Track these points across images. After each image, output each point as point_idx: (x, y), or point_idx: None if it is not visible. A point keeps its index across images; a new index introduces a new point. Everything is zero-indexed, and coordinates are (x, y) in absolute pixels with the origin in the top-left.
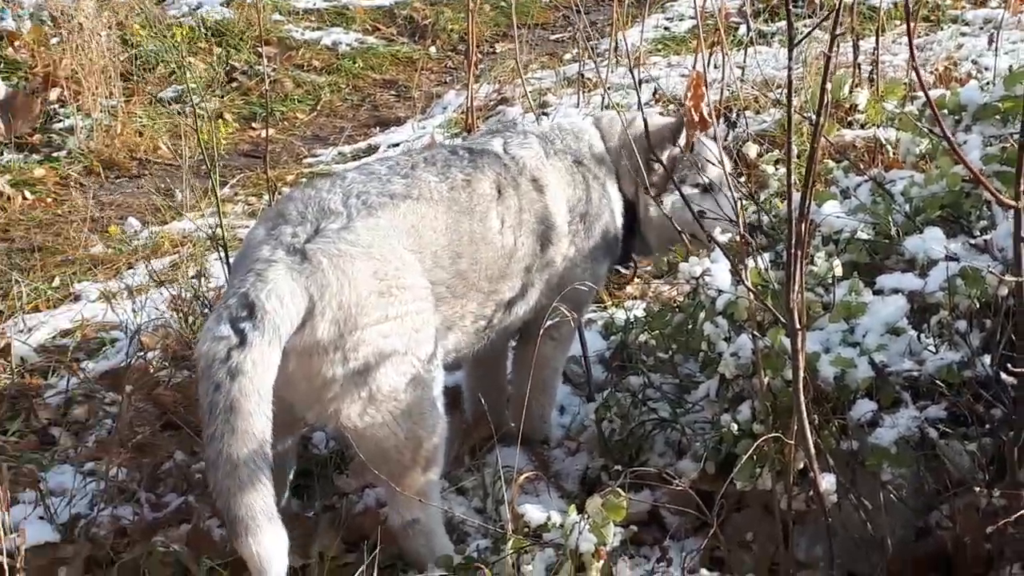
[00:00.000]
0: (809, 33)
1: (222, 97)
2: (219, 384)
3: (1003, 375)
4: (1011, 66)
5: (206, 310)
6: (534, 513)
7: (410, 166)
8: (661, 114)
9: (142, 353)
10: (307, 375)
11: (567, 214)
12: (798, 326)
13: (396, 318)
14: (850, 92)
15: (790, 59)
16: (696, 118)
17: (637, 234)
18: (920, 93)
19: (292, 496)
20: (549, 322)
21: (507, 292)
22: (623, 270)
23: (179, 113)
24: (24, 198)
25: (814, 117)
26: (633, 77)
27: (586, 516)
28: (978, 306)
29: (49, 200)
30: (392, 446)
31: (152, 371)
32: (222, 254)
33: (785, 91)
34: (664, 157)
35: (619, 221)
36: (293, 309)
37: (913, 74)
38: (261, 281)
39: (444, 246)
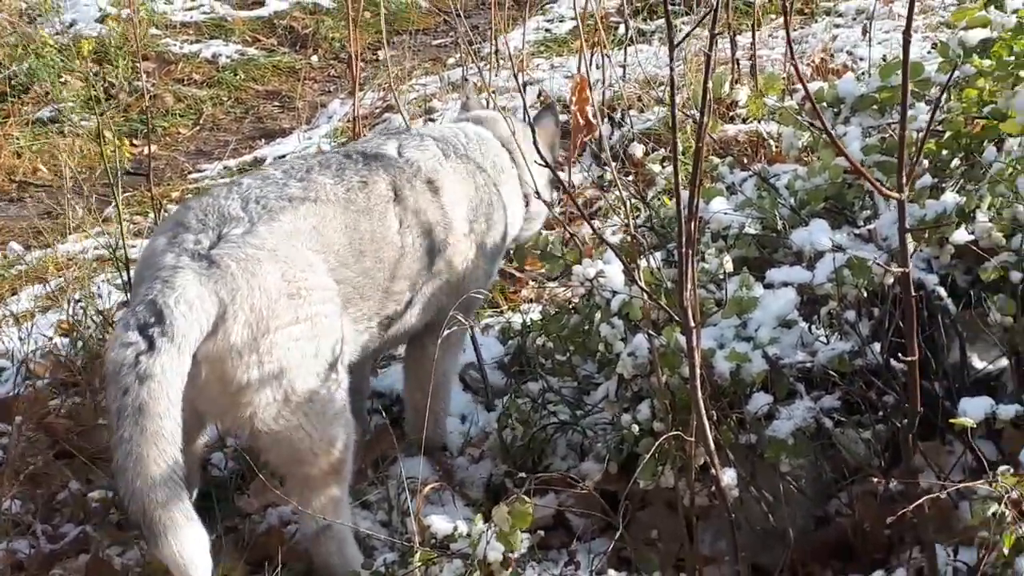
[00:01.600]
0: (689, 33)
1: (101, 115)
2: (127, 388)
3: (893, 362)
4: (885, 56)
5: (96, 332)
6: (440, 524)
7: (305, 170)
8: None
9: (31, 381)
10: (221, 381)
11: (467, 215)
12: (692, 323)
13: (306, 320)
14: (731, 88)
15: (671, 58)
16: (582, 121)
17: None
18: (799, 86)
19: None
20: (434, 329)
21: (408, 292)
22: None
23: (58, 133)
24: None
25: (698, 115)
26: (516, 81)
27: (493, 524)
28: (865, 295)
29: None
30: (307, 448)
31: (42, 399)
32: (123, 272)
33: (667, 89)
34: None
35: (517, 223)
36: (203, 315)
37: (791, 68)
38: (169, 288)
39: (346, 245)
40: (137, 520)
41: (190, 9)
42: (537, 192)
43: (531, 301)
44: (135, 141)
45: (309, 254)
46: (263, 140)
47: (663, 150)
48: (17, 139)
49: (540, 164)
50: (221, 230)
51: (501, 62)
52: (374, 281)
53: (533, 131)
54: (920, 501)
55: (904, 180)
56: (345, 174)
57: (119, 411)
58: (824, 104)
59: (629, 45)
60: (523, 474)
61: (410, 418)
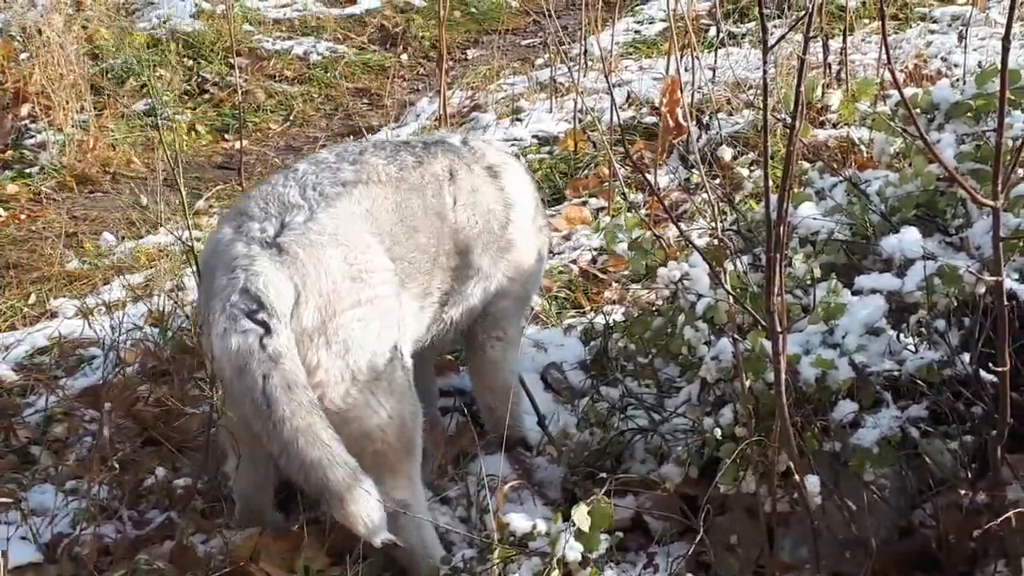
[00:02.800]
0: (783, 36)
1: (194, 109)
2: (266, 373)
3: (983, 373)
4: (980, 63)
5: (185, 323)
6: (519, 522)
7: (358, 152)
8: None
9: (120, 369)
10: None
11: (528, 204)
12: (779, 329)
13: (367, 301)
14: (823, 93)
15: (764, 61)
16: (672, 123)
17: None
18: (892, 92)
19: (277, 509)
20: (492, 327)
21: (465, 267)
22: None
23: (151, 126)
24: None
25: (789, 119)
26: (607, 81)
27: (572, 524)
28: (956, 304)
29: (23, 216)
30: (376, 426)
31: (131, 387)
32: (193, 266)
33: (757, 93)
34: None
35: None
36: (288, 298)
37: (886, 73)
38: (254, 275)
39: (398, 223)
40: (318, 489)
41: (283, 6)
42: None
43: (614, 303)
44: (227, 136)
45: (367, 236)
46: (352, 137)
47: (752, 154)
48: (112, 131)
49: None
50: (283, 218)
51: (590, 63)
52: (429, 256)
53: None
54: (1008, 515)
55: (999, 188)
56: (400, 155)
57: (266, 396)
58: (918, 110)
59: (719, 48)
60: (603, 475)
61: (486, 416)
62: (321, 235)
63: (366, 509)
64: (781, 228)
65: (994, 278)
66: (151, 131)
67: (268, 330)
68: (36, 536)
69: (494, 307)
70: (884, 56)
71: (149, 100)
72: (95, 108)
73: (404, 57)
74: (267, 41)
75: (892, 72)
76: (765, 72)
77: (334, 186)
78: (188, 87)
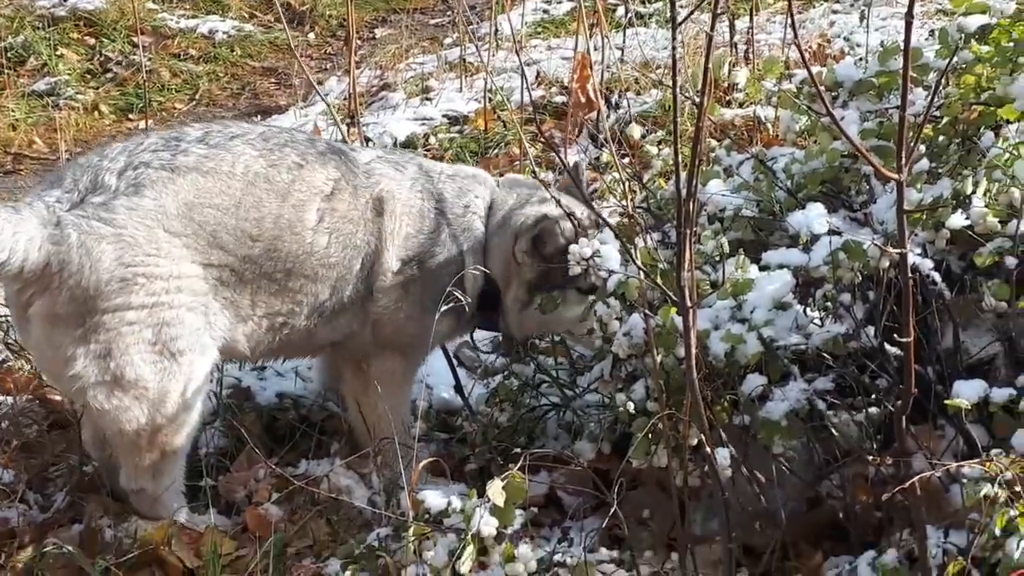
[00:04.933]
0: (691, 13)
1: (97, 89)
2: None
3: (887, 346)
4: (883, 43)
5: None
6: (434, 499)
7: (230, 136)
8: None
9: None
10: (49, 345)
11: (402, 253)
12: (689, 304)
13: (142, 307)
14: (729, 72)
15: (673, 38)
16: (583, 99)
17: (501, 314)
18: (797, 71)
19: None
20: (359, 355)
21: (311, 296)
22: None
23: (53, 106)
24: None
25: (697, 97)
26: (517, 60)
27: (487, 500)
28: (860, 279)
29: None
30: (132, 429)
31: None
32: None
33: (666, 72)
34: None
35: (474, 292)
36: (22, 247)
37: (791, 52)
38: (12, 210)
39: (230, 226)
40: None
41: None
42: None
43: None
44: (131, 115)
45: (163, 237)
46: (259, 116)
47: (661, 132)
48: (13, 111)
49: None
50: (86, 195)
51: (499, 43)
52: (260, 269)
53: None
54: (911, 482)
55: (903, 162)
56: (283, 151)
57: None
58: (823, 88)
59: (628, 27)
60: (517, 450)
61: (360, 434)
62: (105, 225)
63: None
64: (690, 204)
65: (898, 251)
66: (53, 111)
67: None
68: None
69: (352, 340)
70: (791, 35)
71: (51, 79)
72: None
73: (312, 36)
74: (171, 19)
75: (800, 50)
76: (674, 49)
77: (160, 170)
78: (91, 66)
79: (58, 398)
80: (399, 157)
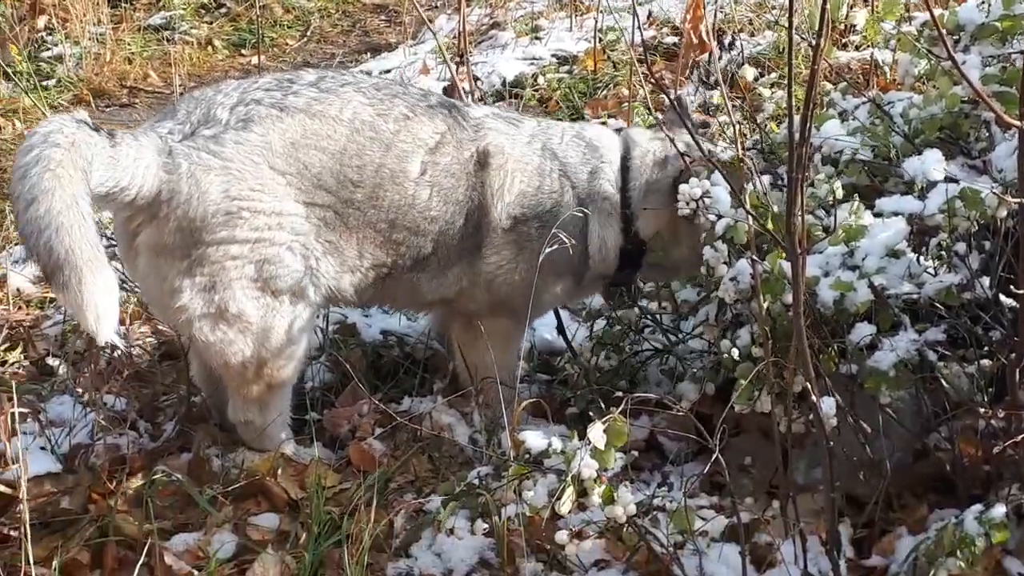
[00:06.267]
0: None
1: (211, 24)
2: (48, 138)
3: (1002, 297)
4: None
5: None
6: (535, 440)
7: (340, 84)
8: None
9: None
10: (156, 276)
11: (511, 212)
12: (799, 250)
13: (245, 242)
14: (847, 13)
15: None
16: (695, 40)
17: (649, 269)
18: (917, 13)
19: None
20: (471, 311)
21: (413, 248)
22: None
23: (167, 40)
24: (14, 127)
25: (813, 40)
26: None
27: (588, 442)
28: (976, 228)
29: None
30: (238, 362)
31: None
32: None
33: (780, 13)
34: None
35: (608, 258)
36: (140, 173)
37: None
38: (132, 136)
39: (333, 170)
40: (59, 261)
41: None
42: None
43: None
44: (243, 51)
45: (268, 173)
46: (369, 54)
47: (774, 75)
48: (129, 45)
49: None
50: (197, 127)
51: None
52: (363, 217)
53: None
54: (1022, 437)
55: None
56: (393, 101)
57: (34, 152)
58: (943, 31)
59: None
60: (619, 394)
61: (464, 383)
62: (215, 157)
63: (102, 298)
64: (803, 148)
65: (1018, 199)
66: (168, 45)
67: (98, 131)
68: (55, 446)
69: (463, 297)
70: None
71: (166, 14)
72: (112, 21)
73: None
74: None
75: None
76: None
77: (269, 108)
78: (205, 1)
79: (168, 329)
80: (516, 115)
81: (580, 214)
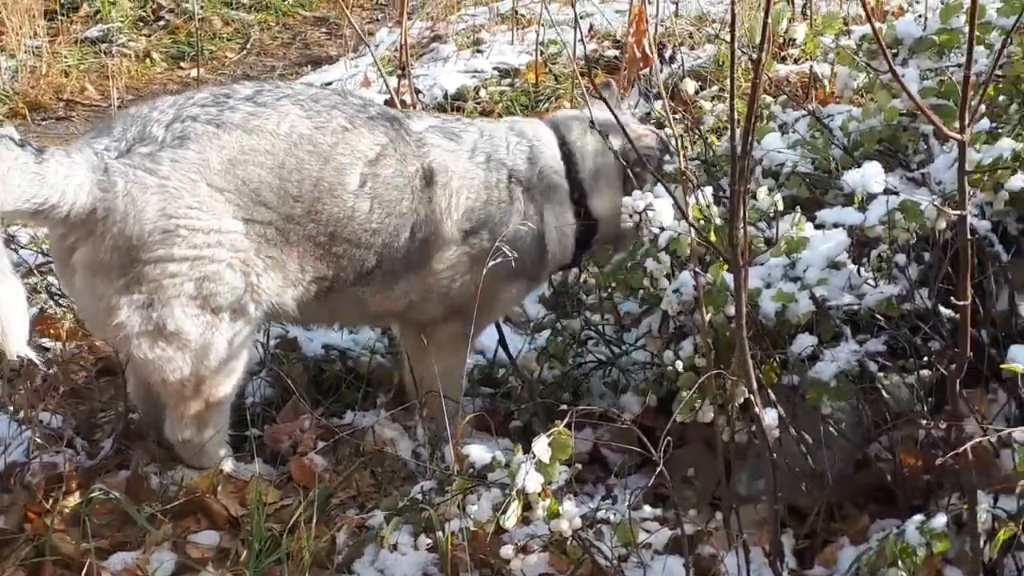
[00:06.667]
0: None
1: (149, 36)
2: None
3: (941, 308)
4: None
5: None
6: (479, 453)
7: (277, 97)
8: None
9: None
10: (92, 294)
11: (462, 227)
12: (741, 262)
13: (184, 260)
14: (787, 26)
15: None
16: (638, 53)
17: (599, 246)
18: (855, 27)
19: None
20: (420, 323)
21: (356, 261)
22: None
23: (105, 53)
24: None
25: (752, 52)
26: (573, 11)
27: (532, 456)
28: (915, 239)
29: None
30: (176, 379)
31: None
32: None
33: (722, 26)
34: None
35: (566, 244)
36: (72, 191)
37: (848, 7)
38: (63, 154)
39: (272, 185)
40: None
41: None
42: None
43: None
44: (183, 64)
45: (205, 190)
46: (309, 67)
47: (715, 88)
48: (65, 57)
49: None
50: (133, 145)
51: None
52: (303, 231)
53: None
54: (962, 448)
55: (966, 122)
56: (331, 113)
57: None
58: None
59: None
60: (564, 406)
61: (413, 392)
62: (151, 175)
63: (6, 309)
64: (746, 161)
65: (958, 212)
66: (105, 58)
67: (23, 147)
68: None
69: (413, 310)
70: None
71: (103, 26)
72: (48, 34)
73: None
74: None
75: (864, 6)
76: (733, 3)
77: (207, 124)
78: (143, 13)
79: (105, 346)
80: (457, 125)
81: (535, 214)
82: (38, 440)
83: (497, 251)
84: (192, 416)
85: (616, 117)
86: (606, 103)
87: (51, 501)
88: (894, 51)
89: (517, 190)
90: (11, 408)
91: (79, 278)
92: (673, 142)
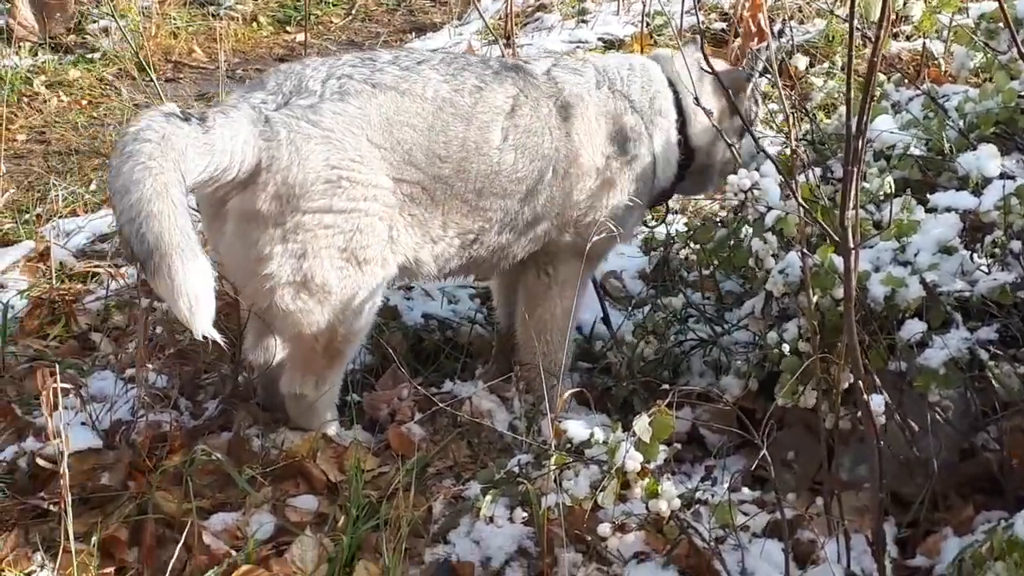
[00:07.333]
0: None
1: (256, 0)
2: (144, 131)
3: None
4: None
5: None
6: (577, 429)
7: (417, 61)
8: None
9: None
10: (244, 243)
11: (600, 152)
12: (851, 245)
13: (341, 212)
14: (904, 3)
15: None
16: (754, 28)
17: (688, 178)
18: (971, 4)
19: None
20: (546, 260)
21: (501, 212)
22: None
23: (213, 16)
24: (60, 100)
25: (867, 30)
26: None
27: (632, 434)
28: None
29: (84, 102)
30: (310, 333)
31: None
32: None
33: (834, 1)
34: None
35: (669, 171)
36: (239, 149)
37: None
38: (223, 115)
39: (423, 146)
40: (151, 246)
41: None
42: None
43: (676, 212)
44: (288, 28)
45: (366, 145)
46: (413, 33)
47: (825, 64)
48: (174, 19)
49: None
50: (291, 98)
51: None
52: (451, 190)
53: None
54: None
55: None
56: (462, 75)
57: (133, 138)
58: (1000, 25)
59: None
60: (665, 386)
61: (520, 345)
62: (314, 126)
63: (196, 287)
64: (859, 141)
65: None
66: (213, 21)
67: (187, 119)
68: (96, 422)
69: (548, 245)
70: None
71: None
72: None
73: None
74: None
75: None
76: None
77: (362, 83)
78: None
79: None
80: (575, 62)
81: (647, 139)
82: (145, 399)
83: (628, 174)
84: (314, 371)
85: (705, 56)
86: (701, 49)
87: (154, 460)
88: (1016, 30)
89: (636, 117)
90: (118, 367)
91: (231, 226)
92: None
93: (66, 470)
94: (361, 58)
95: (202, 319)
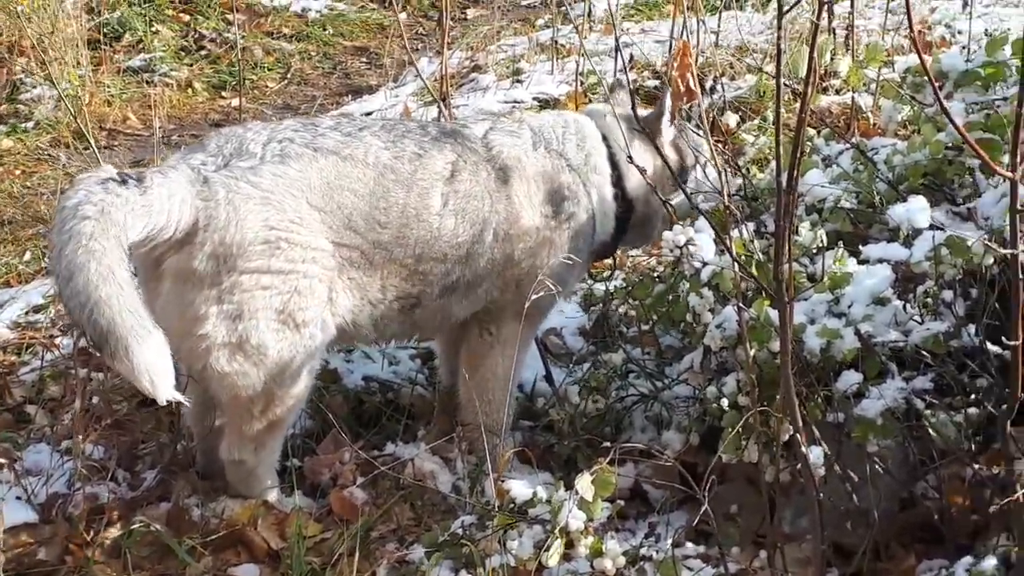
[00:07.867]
0: (798, 2)
1: (191, 66)
2: (82, 205)
3: (989, 345)
4: (987, 31)
5: None
6: (520, 489)
7: (359, 127)
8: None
9: None
10: (180, 303)
11: (539, 213)
12: (786, 298)
13: (278, 272)
14: (831, 59)
15: (779, 25)
16: (683, 88)
17: (631, 230)
18: (897, 59)
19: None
20: (488, 319)
21: (441, 276)
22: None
23: (147, 83)
24: None
25: (796, 86)
26: (615, 40)
27: (574, 492)
28: (962, 275)
29: (18, 172)
30: (247, 396)
31: None
32: None
33: (765, 58)
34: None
35: (608, 226)
36: (176, 208)
37: (890, 39)
38: (160, 174)
39: (363, 211)
40: (103, 332)
41: None
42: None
43: (613, 268)
44: (224, 93)
45: (306, 208)
46: (350, 96)
47: (757, 119)
48: (108, 87)
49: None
50: (231, 160)
51: (592, 24)
52: (391, 255)
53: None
54: (1017, 493)
55: (1017, 159)
56: (403, 142)
57: (68, 219)
58: (925, 78)
59: (723, 11)
60: (607, 443)
61: (462, 405)
62: (254, 187)
63: (153, 361)
64: (791, 196)
65: (1010, 251)
66: (147, 88)
67: (124, 182)
68: (31, 496)
69: (490, 304)
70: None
71: (146, 56)
72: (91, 63)
73: (403, 16)
74: None
75: (914, 40)
76: (779, 36)
77: (303, 147)
78: (185, 43)
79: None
80: (510, 124)
81: (584, 196)
82: (82, 471)
83: (567, 231)
84: (252, 436)
85: (634, 108)
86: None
87: (92, 533)
88: (939, 84)
89: (573, 175)
90: (54, 439)
91: (167, 285)
92: (716, 174)
93: (1, 545)
94: (303, 123)
95: (164, 389)
